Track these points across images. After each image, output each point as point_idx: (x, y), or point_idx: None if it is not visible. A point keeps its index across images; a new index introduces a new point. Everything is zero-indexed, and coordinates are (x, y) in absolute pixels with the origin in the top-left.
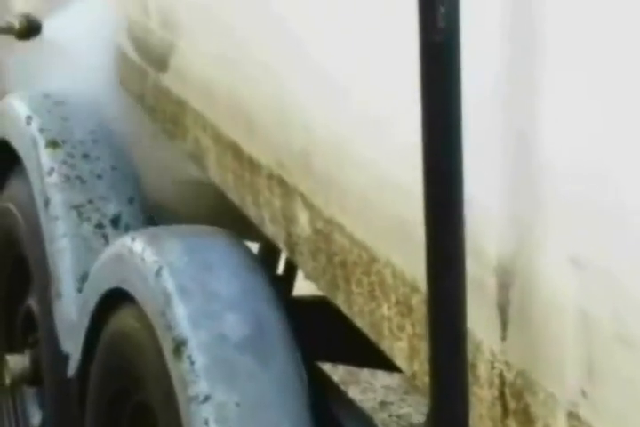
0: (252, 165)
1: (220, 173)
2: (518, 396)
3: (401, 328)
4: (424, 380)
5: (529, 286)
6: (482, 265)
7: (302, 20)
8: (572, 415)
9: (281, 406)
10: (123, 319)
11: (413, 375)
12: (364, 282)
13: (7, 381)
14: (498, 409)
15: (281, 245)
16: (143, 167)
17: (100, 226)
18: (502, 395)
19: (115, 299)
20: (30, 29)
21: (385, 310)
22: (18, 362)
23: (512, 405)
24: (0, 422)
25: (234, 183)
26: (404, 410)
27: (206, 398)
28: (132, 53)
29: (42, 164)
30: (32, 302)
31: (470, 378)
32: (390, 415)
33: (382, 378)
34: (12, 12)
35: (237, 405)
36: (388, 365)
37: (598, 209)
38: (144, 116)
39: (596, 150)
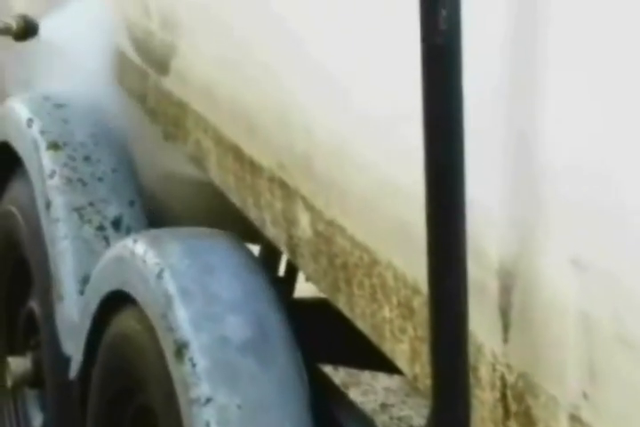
0: (253, 167)
1: (221, 175)
2: (520, 398)
3: (402, 330)
4: (425, 382)
5: (530, 288)
6: (483, 267)
7: (304, 23)
8: (574, 418)
9: (282, 408)
10: (124, 322)
11: (415, 378)
12: (365, 284)
13: (9, 383)
14: (499, 412)
15: (282, 247)
16: (144, 169)
17: (101, 228)
18: (504, 397)
19: (116, 301)
20: (27, 30)
21: (386, 312)
22: (19, 364)
23: (513, 407)
24: (1, 424)
25: (235, 185)
26: (405, 412)
27: (208, 401)
28: (132, 54)
29: (43, 166)
30: (33, 305)
31: (472, 380)
32: (391, 418)
33: (383, 380)
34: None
35: (239, 407)
36: (388, 367)
37: (599, 210)
38: (144, 117)
39: (597, 151)
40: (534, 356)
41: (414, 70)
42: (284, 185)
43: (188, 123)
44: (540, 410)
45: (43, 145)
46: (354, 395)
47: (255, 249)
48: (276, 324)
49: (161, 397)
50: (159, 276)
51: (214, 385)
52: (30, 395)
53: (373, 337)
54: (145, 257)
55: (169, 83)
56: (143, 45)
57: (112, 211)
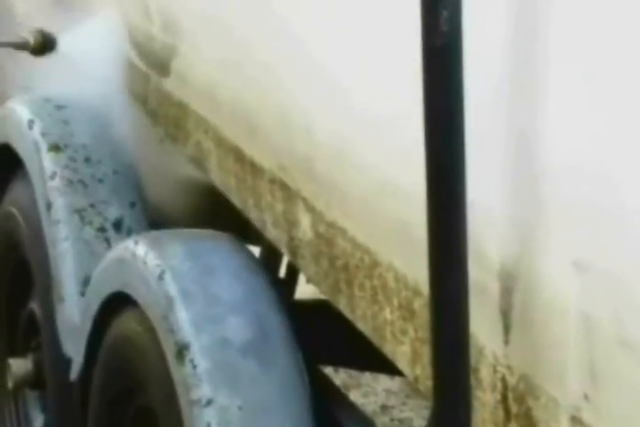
0: (254, 169)
1: (221, 177)
2: (521, 400)
3: (403, 332)
4: (426, 384)
5: (531, 289)
6: (484, 269)
7: (304, 24)
8: (575, 419)
9: (283, 409)
10: (125, 323)
11: (416, 379)
12: (366, 286)
13: (10, 384)
14: (500, 413)
15: (283, 248)
16: (145, 171)
17: (102, 230)
18: (505, 399)
19: (117, 303)
20: (45, 45)
21: (387, 313)
22: (20, 366)
23: (514, 409)
24: (2, 426)
25: (236, 187)
26: (406, 414)
27: (209, 402)
28: (133, 56)
29: (44, 167)
30: (34, 306)
31: (473, 382)
32: (392, 419)
33: (384, 382)
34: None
35: (240, 408)
36: (389, 368)
37: (600, 211)
38: (145, 119)
39: (597, 151)
40: (535, 357)
41: (415, 71)
42: (284, 186)
43: (189, 124)
44: (541, 411)
45: (44, 146)
46: (354, 396)
47: (256, 251)
48: (276, 325)
49: (162, 398)
50: (160, 277)
51: (215, 386)
52: (31, 396)
53: (374, 339)
54: (146, 259)
55: (170, 84)
56: (144, 48)
57: (113, 212)
